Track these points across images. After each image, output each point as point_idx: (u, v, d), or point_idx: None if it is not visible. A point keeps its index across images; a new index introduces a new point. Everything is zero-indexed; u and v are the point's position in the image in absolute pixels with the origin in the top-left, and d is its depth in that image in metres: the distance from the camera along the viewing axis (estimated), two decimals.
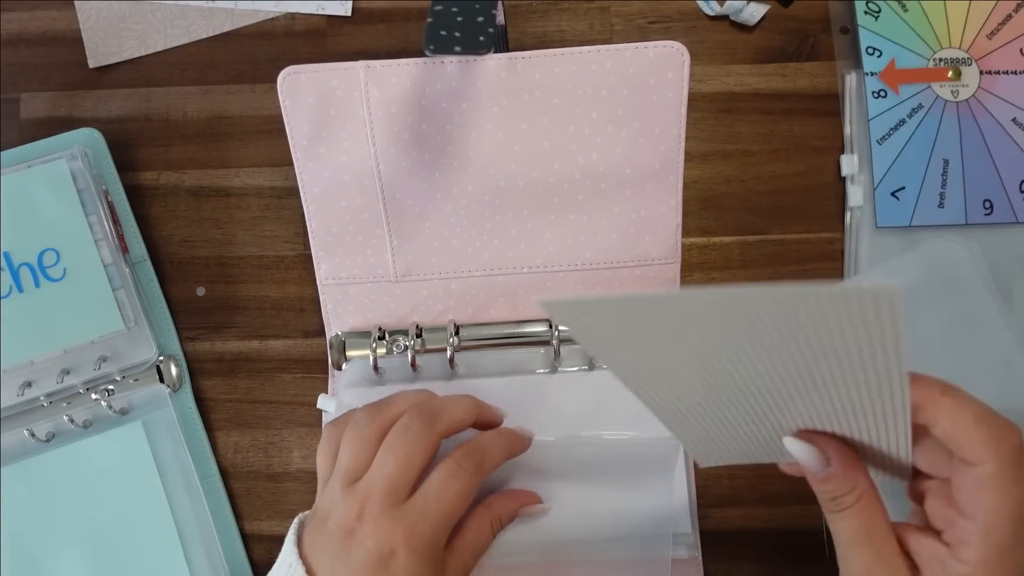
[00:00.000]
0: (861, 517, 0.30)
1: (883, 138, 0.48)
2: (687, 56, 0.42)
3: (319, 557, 0.36)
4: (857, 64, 0.49)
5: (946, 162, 0.48)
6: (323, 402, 0.46)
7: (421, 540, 0.36)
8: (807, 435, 0.31)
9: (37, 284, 0.46)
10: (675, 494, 0.43)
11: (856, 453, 0.31)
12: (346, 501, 0.36)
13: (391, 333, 0.46)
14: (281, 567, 0.37)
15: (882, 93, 0.48)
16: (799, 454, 0.31)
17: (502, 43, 0.48)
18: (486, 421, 0.41)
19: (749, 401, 0.30)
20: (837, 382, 0.27)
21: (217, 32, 0.51)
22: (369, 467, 0.37)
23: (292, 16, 0.51)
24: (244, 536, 0.47)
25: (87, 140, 0.48)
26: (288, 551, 0.37)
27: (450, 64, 0.42)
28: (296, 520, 0.39)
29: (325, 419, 0.46)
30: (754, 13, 0.49)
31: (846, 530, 0.30)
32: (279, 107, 0.43)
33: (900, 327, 0.24)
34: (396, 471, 0.36)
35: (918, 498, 0.32)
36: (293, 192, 0.47)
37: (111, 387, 0.47)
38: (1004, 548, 0.28)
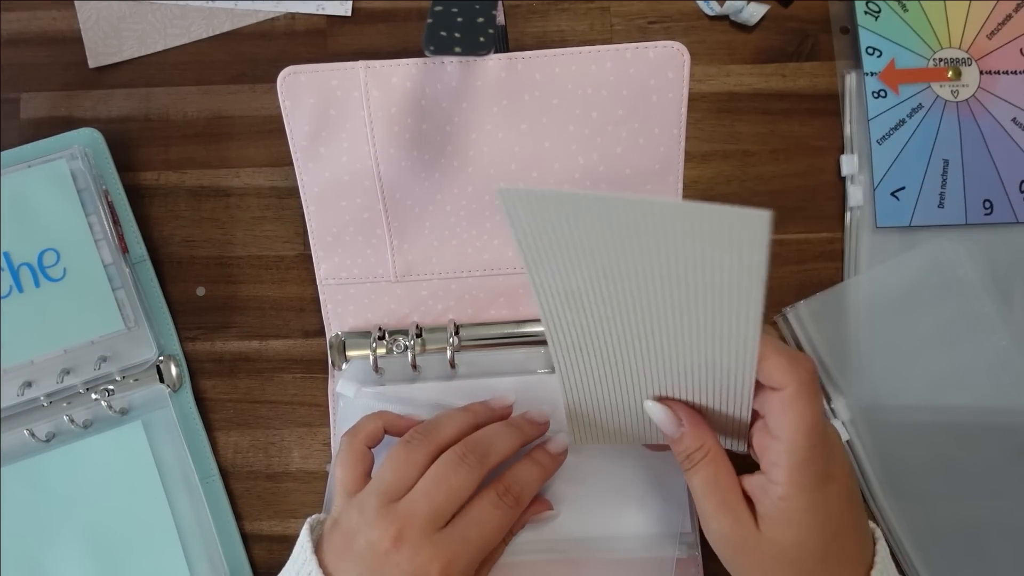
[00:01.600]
0: (709, 470, 0.35)
1: (883, 138, 0.48)
2: (687, 56, 0.42)
3: (347, 573, 0.36)
4: (857, 64, 0.49)
5: (946, 162, 0.48)
6: (343, 387, 0.46)
7: (458, 567, 0.35)
8: (664, 400, 0.36)
9: (37, 284, 0.46)
10: (676, 494, 0.43)
11: (704, 417, 0.36)
12: (383, 521, 0.36)
13: (391, 333, 0.46)
14: (298, 573, 0.36)
15: (882, 93, 0.48)
16: (656, 415, 0.36)
17: (502, 43, 0.48)
18: (528, 441, 0.42)
19: (626, 358, 0.35)
20: (698, 317, 0.32)
21: (217, 32, 0.51)
22: (410, 488, 0.37)
23: (292, 16, 0.51)
24: (244, 536, 0.47)
25: (87, 140, 0.48)
26: (307, 559, 0.36)
27: (450, 64, 0.42)
28: (307, 524, 0.38)
29: (342, 404, 0.46)
30: (754, 13, 0.49)
31: (698, 483, 0.35)
32: (279, 107, 0.43)
33: (763, 255, 0.28)
34: (443, 500, 0.36)
35: (751, 448, 0.36)
36: (293, 192, 0.47)
37: (111, 387, 0.47)
38: (804, 461, 0.32)
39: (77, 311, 0.46)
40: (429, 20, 0.39)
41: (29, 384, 0.46)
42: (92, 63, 0.51)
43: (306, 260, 0.48)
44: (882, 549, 0.35)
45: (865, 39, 0.49)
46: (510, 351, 0.46)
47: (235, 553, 0.46)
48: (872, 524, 0.37)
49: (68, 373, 0.46)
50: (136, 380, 0.47)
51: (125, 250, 0.48)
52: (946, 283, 0.47)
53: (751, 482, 0.34)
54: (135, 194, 0.50)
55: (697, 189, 0.49)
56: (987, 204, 0.48)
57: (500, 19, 0.45)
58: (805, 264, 0.48)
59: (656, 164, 0.44)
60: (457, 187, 0.45)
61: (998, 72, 0.49)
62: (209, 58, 0.51)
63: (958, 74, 0.49)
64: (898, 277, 0.47)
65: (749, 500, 0.35)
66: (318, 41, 0.51)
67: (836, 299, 0.47)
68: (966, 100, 0.48)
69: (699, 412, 0.36)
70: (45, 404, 0.46)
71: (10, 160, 0.47)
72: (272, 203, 0.50)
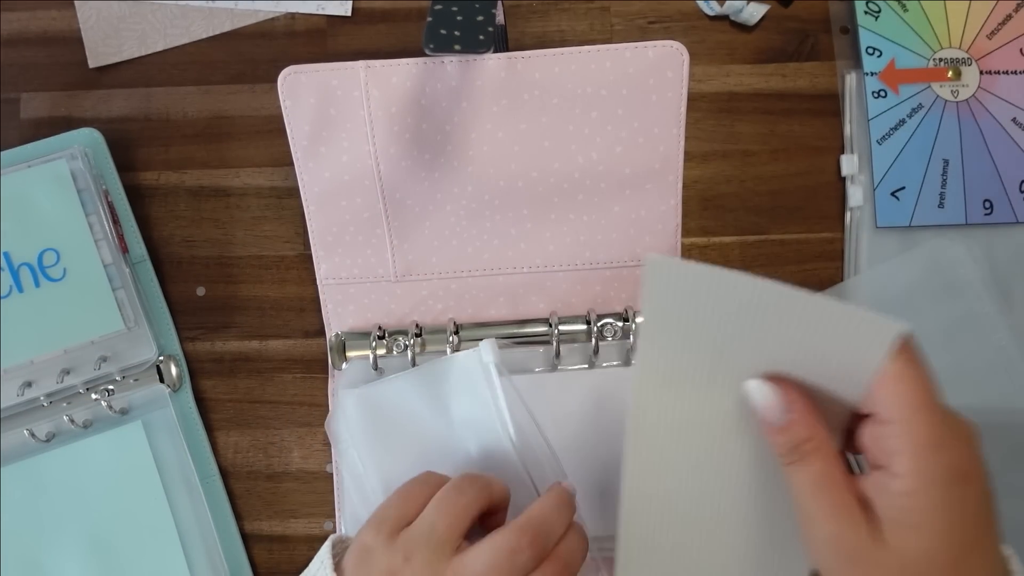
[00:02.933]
0: (821, 465, 0.29)
1: (883, 138, 0.48)
2: (686, 56, 0.42)
3: None
4: (857, 64, 0.49)
5: (946, 162, 0.48)
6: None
7: None
8: (771, 379, 0.30)
9: (37, 284, 0.46)
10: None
11: (817, 408, 0.30)
12: (390, 548, 0.35)
13: (391, 333, 0.46)
14: None
15: (882, 93, 0.48)
16: (761, 397, 0.30)
17: (502, 43, 0.48)
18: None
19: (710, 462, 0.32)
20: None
21: (217, 32, 0.51)
22: (415, 519, 0.36)
23: (292, 16, 0.51)
24: (244, 536, 0.47)
25: (87, 140, 0.48)
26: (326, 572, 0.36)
27: (450, 64, 0.42)
28: (329, 541, 0.38)
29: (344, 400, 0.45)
30: (754, 13, 0.49)
31: (807, 480, 0.29)
32: (279, 107, 0.43)
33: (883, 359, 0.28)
34: (443, 526, 0.35)
35: (859, 447, 0.31)
36: (293, 192, 0.47)
37: (111, 387, 0.47)
38: (929, 446, 0.27)
39: (77, 311, 0.46)
40: (429, 19, 0.39)
41: (29, 384, 0.46)
42: (92, 63, 0.51)
43: (306, 260, 0.48)
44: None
45: (865, 39, 0.49)
46: (510, 351, 0.46)
47: (235, 553, 0.46)
48: (1007, 549, 0.30)
49: (68, 373, 0.46)
50: (136, 380, 0.47)
51: (125, 250, 0.48)
52: (946, 283, 0.47)
53: (867, 483, 0.29)
54: (135, 194, 0.50)
55: (697, 189, 0.49)
56: (987, 204, 0.48)
57: (500, 19, 0.45)
58: (805, 264, 0.48)
59: (656, 163, 0.44)
60: (457, 187, 0.45)
61: (998, 72, 0.49)
62: (209, 58, 0.51)
63: (958, 74, 0.49)
64: (898, 277, 0.47)
65: (863, 507, 0.29)
66: (318, 41, 0.51)
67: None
68: (966, 100, 0.48)
69: (809, 396, 0.30)
70: (45, 404, 0.46)
71: (10, 160, 0.47)
72: (272, 203, 0.50)
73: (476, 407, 0.43)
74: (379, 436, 0.44)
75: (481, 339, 0.46)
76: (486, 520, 0.37)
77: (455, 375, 0.44)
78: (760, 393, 0.30)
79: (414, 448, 0.44)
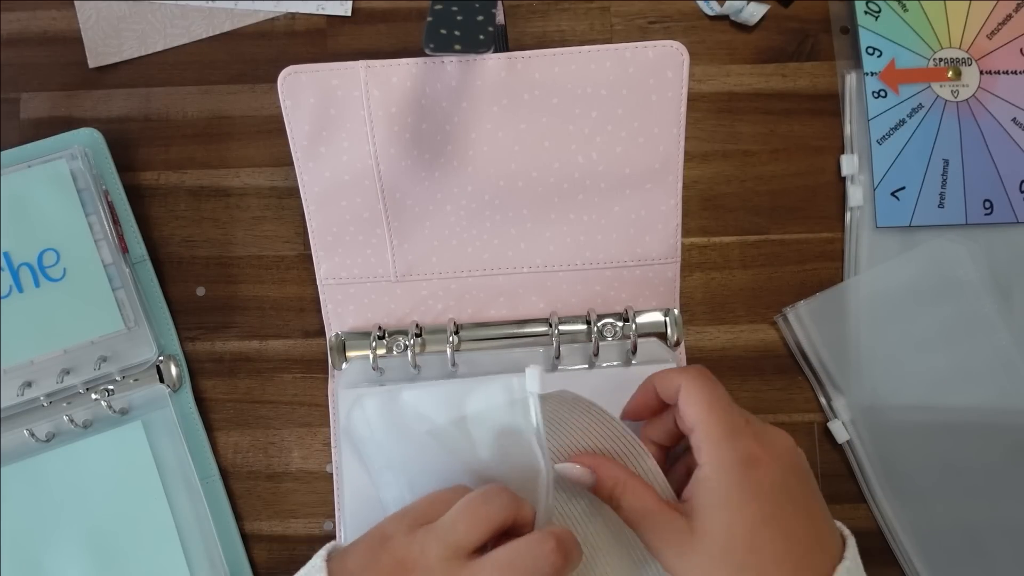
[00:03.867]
0: (631, 498, 0.36)
1: (883, 138, 0.48)
2: (686, 56, 0.42)
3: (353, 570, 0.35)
4: (857, 64, 0.49)
5: (946, 162, 0.48)
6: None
7: None
8: (575, 458, 0.38)
9: (37, 284, 0.46)
10: None
11: (611, 459, 0.38)
12: (408, 538, 0.35)
13: (391, 333, 0.46)
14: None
15: (882, 93, 0.48)
16: (570, 472, 0.37)
17: (502, 43, 0.48)
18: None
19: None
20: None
21: (217, 32, 0.51)
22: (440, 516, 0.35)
23: (292, 16, 0.51)
24: (244, 536, 0.47)
25: (87, 140, 0.48)
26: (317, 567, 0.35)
27: (450, 64, 0.42)
28: (326, 548, 0.37)
29: (343, 406, 0.45)
30: (754, 13, 0.49)
31: (627, 515, 0.36)
32: (279, 107, 0.43)
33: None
34: (463, 528, 0.34)
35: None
36: (293, 192, 0.47)
37: (111, 387, 0.47)
38: (720, 439, 0.34)
39: (77, 311, 0.46)
40: (429, 19, 0.39)
41: (29, 384, 0.46)
42: (92, 63, 0.51)
43: (306, 260, 0.48)
44: (851, 555, 0.34)
45: (865, 39, 0.49)
46: (510, 351, 0.46)
47: (235, 553, 0.46)
48: (843, 529, 0.35)
49: (68, 373, 0.46)
50: (136, 380, 0.47)
51: (125, 250, 0.48)
52: (946, 283, 0.47)
53: (688, 489, 0.35)
54: (135, 194, 0.50)
55: (697, 189, 0.49)
56: (987, 204, 0.48)
57: (500, 18, 0.45)
58: (805, 264, 0.48)
59: (656, 163, 0.44)
60: (457, 186, 0.45)
61: (998, 72, 0.49)
62: (209, 58, 0.51)
63: (958, 74, 0.49)
64: (898, 277, 0.47)
65: (681, 512, 0.35)
66: (318, 41, 0.51)
67: (836, 299, 0.47)
68: (966, 100, 0.48)
69: (605, 456, 0.38)
70: (45, 404, 0.46)
71: (10, 160, 0.47)
72: (272, 203, 0.50)
73: (510, 436, 0.40)
74: (402, 440, 0.43)
75: (482, 338, 0.46)
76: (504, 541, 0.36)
77: (493, 397, 0.40)
78: (568, 472, 0.38)
79: (435, 456, 0.42)
